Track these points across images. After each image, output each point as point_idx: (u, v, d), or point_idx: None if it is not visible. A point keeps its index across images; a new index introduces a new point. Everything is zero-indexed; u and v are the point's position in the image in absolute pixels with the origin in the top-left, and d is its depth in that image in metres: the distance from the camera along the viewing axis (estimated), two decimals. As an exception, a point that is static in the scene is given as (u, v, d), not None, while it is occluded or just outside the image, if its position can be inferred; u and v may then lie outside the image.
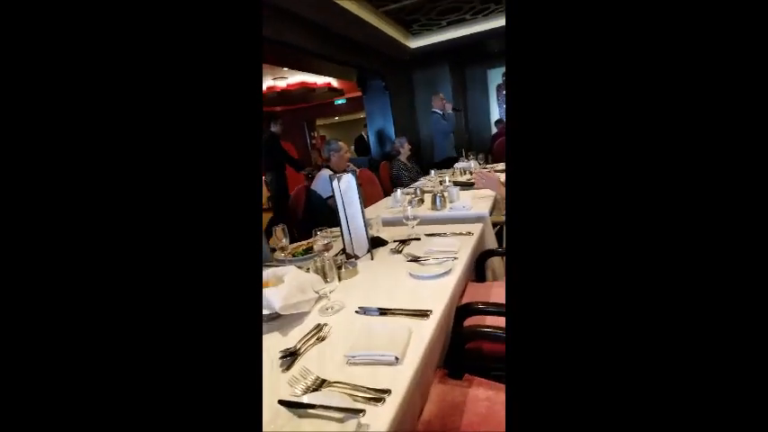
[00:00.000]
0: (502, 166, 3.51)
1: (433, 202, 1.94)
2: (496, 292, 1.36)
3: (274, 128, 3.82)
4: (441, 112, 4.11)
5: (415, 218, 1.45)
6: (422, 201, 2.08)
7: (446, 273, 1.09)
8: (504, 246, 1.91)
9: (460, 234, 1.47)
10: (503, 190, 1.91)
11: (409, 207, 1.45)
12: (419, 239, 1.44)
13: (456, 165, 3.25)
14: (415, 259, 1.21)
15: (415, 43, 4.98)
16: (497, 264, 1.71)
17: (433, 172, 2.99)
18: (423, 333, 0.80)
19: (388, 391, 0.62)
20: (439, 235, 1.48)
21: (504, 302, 1.23)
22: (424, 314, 0.87)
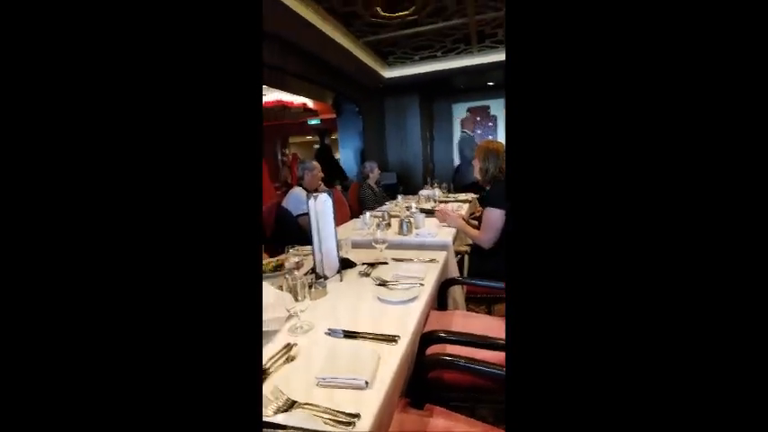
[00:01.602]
0: (464, 195, 3.67)
1: (400, 227, 1.98)
2: (458, 320, 1.40)
3: (327, 141, 4.63)
4: (472, 134, 3.95)
5: (384, 241, 1.47)
6: (389, 225, 2.12)
7: (413, 299, 1.12)
8: (466, 275, 1.99)
9: (426, 261, 1.51)
10: (463, 224, 2.01)
11: (379, 231, 1.48)
12: (387, 263, 1.46)
13: (421, 192, 3.35)
14: (383, 283, 1.22)
15: (390, 73, 5.19)
16: (458, 292, 1.76)
17: (399, 197, 3.07)
18: (391, 359, 0.81)
19: (357, 416, 0.62)
20: (406, 260, 1.52)
21: (466, 332, 1.27)
22: (392, 339, 0.88)
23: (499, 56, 4.82)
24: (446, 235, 1.96)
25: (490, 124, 7.22)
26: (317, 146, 4.68)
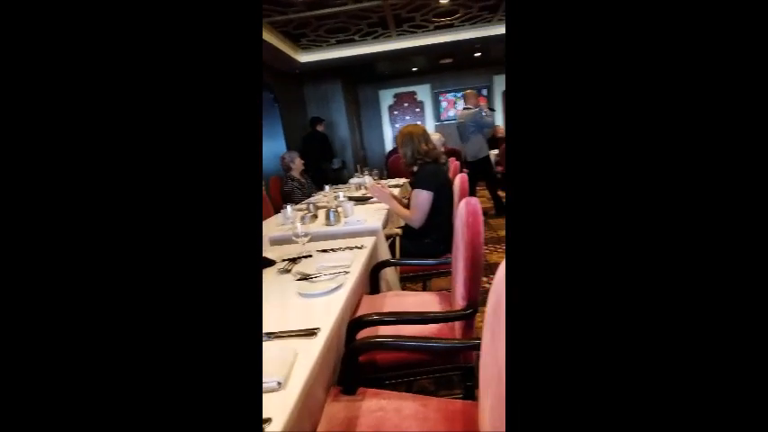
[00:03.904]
0: (395, 180, 3.72)
1: (327, 217, 1.94)
2: (390, 301, 1.41)
3: (321, 128, 4.87)
4: (474, 108, 3.90)
5: (306, 234, 1.42)
6: (315, 216, 2.06)
7: (337, 288, 1.09)
8: (398, 256, 2.01)
9: (353, 248, 1.49)
10: (394, 203, 2.03)
11: (299, 224, 1.42)
12: (311, 256, 1.41)
13: (351, 180, 3.32)
14: (305, 277, 1.18)
15: (306, 58, 4.98)
16: (391, 274, 1.78)
17: (327, 187, 3.00)
18: (310, 353, 0.78)
19: (268, 421, 0.58)
20: (331, 250, 1.48)
21: (396, 311, 1.28)
22: (311, 333, 0.84)
23: (419, 41, 4.87)
24: (376, 220, 1.96)
25: (417, 110, 7.37)
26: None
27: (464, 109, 4.08)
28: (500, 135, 5.42)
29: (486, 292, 0.63)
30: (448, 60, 6.20)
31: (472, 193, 4.32)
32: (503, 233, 3.58)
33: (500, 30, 4.66)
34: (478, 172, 4.12)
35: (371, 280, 1.57)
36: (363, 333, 1.10)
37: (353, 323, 1.10)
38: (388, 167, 5.32)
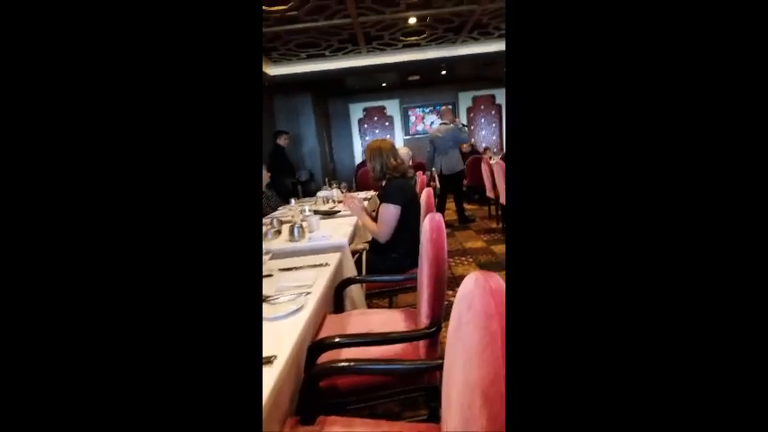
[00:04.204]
0: (364, 193, 3.73)
1: (291, 232, 1.88)
2: (354, 321, 1.37)
3: (281, 141, 4.61)
4: (452, 124, 4.10)
5: (267, 252, 1.36)
6: (279, 232, 1.99)
7: (297, 310, 1.05)
8: (365, 272, 1.98)
9: (317, 266, 1.45)
10: (365, 216, 2.02)
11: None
12: (271, 276, 1.35)
13: (319, 193, 3.27)
14: (264, 299, 1.13)
15: (276, 71, 4.94)
16: (356, 291, 1.74)
17: (293, 201, 2.94)
18: (264, 384, 0.73)
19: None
20: (294, 269, 1.43)
21: (360, 332, 1.25)
22: (267, 361, 0.80)
23: (388, 58, 4.97)
24: (341, 236, 1.92)
25: (387, 124, 7.47)
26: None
27: (441, 124, 4.30)
28: (464, 150, 5.66)
29: (451, 305, 0.62)
30: (415, 77, 6.36)
31: (444, 205, 4.43)
32: (468, 245, 3.65)
33: (464, 50, 4.89)
34: (451, 184, 4.26)
35: (336, 298, 1.53)
36: (325, 356, 1.06)
37: (314, 346, 1.06)
38: (357, 180, 5.32)
